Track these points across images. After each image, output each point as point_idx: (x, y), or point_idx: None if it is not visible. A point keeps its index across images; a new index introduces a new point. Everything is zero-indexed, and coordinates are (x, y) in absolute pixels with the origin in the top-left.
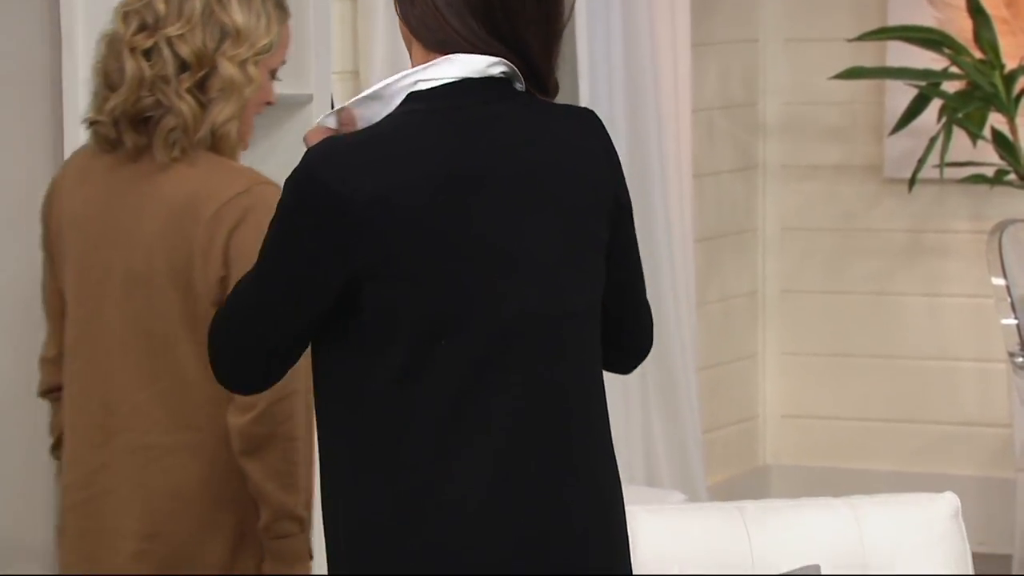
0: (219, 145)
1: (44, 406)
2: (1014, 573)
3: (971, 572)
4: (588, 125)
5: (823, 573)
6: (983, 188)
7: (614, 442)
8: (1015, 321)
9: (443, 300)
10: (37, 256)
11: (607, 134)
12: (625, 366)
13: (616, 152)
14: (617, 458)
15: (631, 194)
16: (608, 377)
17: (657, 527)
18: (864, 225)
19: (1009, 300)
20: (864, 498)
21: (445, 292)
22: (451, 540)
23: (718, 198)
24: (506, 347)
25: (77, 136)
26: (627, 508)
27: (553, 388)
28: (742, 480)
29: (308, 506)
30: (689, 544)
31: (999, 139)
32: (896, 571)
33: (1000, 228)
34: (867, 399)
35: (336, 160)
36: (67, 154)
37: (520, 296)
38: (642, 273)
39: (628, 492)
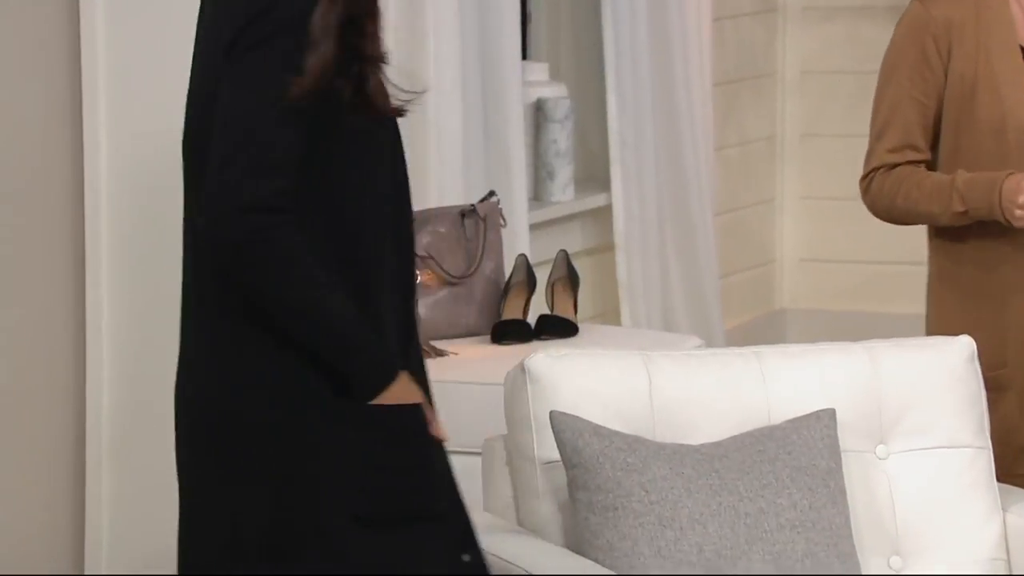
0: None
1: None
2: None
3: (985, 413)
4: None
5: (839, 417)
6: None
7: (633, 286)
8: None
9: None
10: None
11: None
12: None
13: None
14: (635, 303)
15: (652, 38)
16: (627, 221)
17: (674, 372)
18: None
19: None
20: (880, 342)
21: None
22: None
23: (738, 41)
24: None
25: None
26: (646, 353)
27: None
28: (759, 324)
29: None
30: (706, 389)
31: None
32: (912, 414)
33: None
34: (885, 242)
35: None
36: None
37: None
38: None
39: (646, 337)
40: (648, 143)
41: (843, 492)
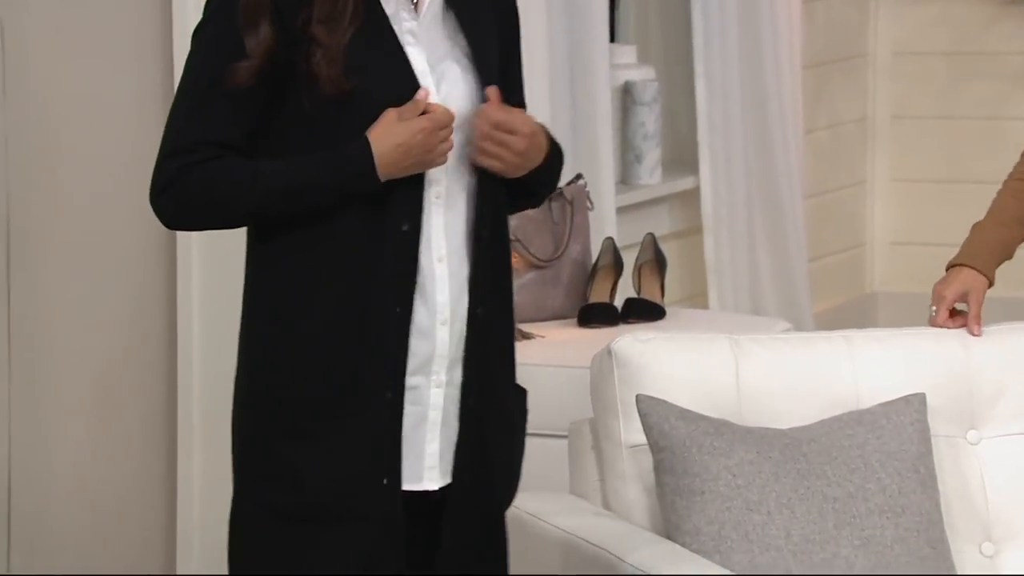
0: None
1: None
2: None
3: None
4: None
5: (929, 402)
6: None
7: (721, 269)
8: None
9: None
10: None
11: None
12: None
13: None
14: (723, 286)
15: (741, 20)
16: (715, 204)
17: (761, 356)
18: (979, 48)
19: None
20: None
21: None
22: None
23: (829, 22)
24: None
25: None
26: (733, 337)
27: None
28: (849, 308)
29: None
30: (794, 373)
31: None
32: (1004, 400)
33: None
34: None
35: None
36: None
37: None
38: None
39: (733, 321)
40: (736, 125)
41: (934, 477)
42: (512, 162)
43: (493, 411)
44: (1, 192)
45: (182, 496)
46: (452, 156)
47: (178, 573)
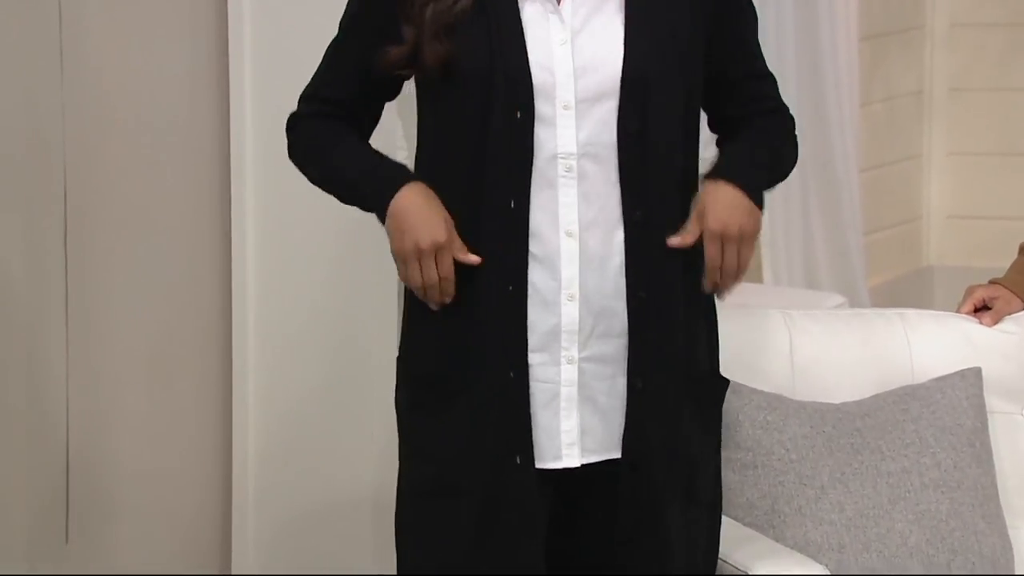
0: None
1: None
2: None
3: None
4: None
5: (984, 379)
6: None
7: (775, 243)
8: None
9: None
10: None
11: None
12: None
13: None
14: (777, 260)
15: None
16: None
17: (815, 331)
18: None
19: None
20: None
21: None
22: None
23: None
24: None
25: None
26: (787, 311)
27: None
28: (905, 281)
29: None
30: (848, 348)
31: None
32: None
33: None
34: None
35: None
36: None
37: None
38: None
39: (787, 295)
40: (792, 98)
41: (989, 452)
42: (740, 248)
43: (660, 393)
44: (58, 167)
45: (237, 469)
46: (585, 131)
47: (233, 545)
